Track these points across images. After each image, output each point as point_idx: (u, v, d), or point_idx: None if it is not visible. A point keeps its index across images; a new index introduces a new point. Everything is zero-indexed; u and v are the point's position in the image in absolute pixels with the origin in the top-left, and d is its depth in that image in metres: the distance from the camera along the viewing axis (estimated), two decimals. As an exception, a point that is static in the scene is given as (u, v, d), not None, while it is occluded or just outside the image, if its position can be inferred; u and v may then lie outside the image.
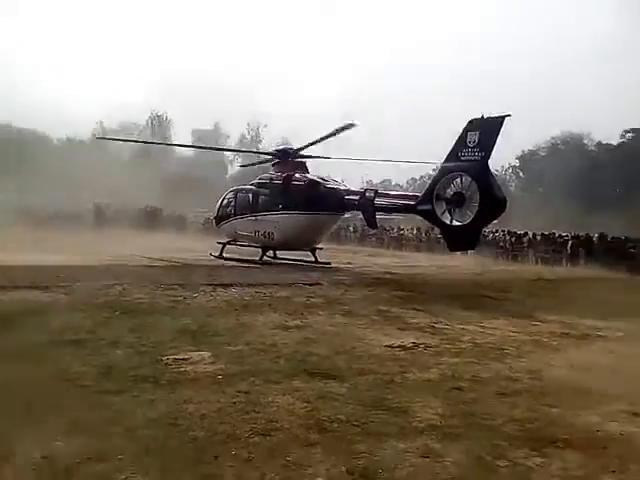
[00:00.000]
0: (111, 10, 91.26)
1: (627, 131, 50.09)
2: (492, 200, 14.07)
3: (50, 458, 3.94)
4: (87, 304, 9.27)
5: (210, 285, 11.43)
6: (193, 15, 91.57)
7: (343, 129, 17.29)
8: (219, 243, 19.65)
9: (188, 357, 6.61)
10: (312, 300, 10.84)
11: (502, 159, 54.55)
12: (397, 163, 24.64)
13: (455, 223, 14.56)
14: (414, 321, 9.53)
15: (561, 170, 45.13)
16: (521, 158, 60.79)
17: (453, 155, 14.47)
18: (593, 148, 53.21)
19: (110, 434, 4.40)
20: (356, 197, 17.24)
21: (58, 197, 37.10)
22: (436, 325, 9.29)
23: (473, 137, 14.04)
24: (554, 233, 26.62)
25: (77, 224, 30.50)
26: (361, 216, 18.35)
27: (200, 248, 20.36)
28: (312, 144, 18.65)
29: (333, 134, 17.53)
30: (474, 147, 14.01)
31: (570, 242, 25.13)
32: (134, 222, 34.43)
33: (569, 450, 4.45)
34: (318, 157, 19.74)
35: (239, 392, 5.48)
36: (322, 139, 18.02)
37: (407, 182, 62.66)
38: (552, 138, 54.50)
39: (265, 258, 18.61)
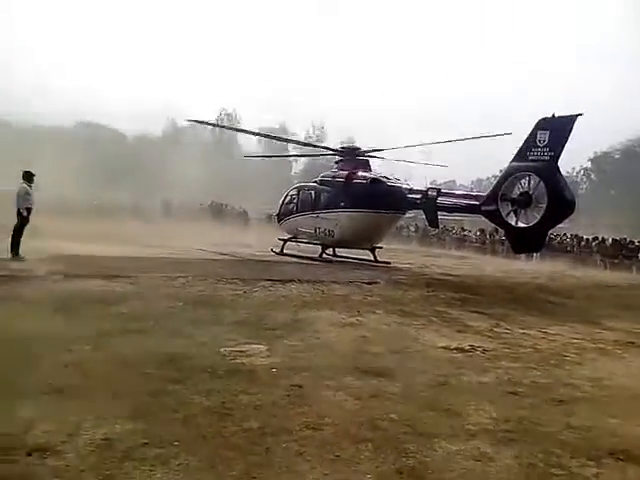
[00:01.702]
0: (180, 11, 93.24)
1: None
2: (560, 202, 13.68)
3: (110, 440, 4.12)
4: (151, 295, 9.59)
5: (269, 280, 11.57)
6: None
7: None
8: (280, 239, 19.90)
9: (245, 350, 6.73)
10: (369, 299, 10.81)
11: (574, 160, 52.87)
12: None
13: (520, 225, 14.24)
14: (473, 324, 9.36)
15: (636, 172, 43.29)
16: (594, 160, 58.90)
17: (521, 154, 14.14)
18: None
19: (168, 420, 4.55)
20: (418, 196, 17.03)
21: (131, 191, 38.63)
22: (496, 329, 9.10)
23: (543, 136, 13.68)
24: (625, 238, 25.55)
25: (146, 218, 31.50)
26: (423, 216, 18.16)
27: (262, 244, 20.67)
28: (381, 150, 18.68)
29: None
30: (544, 147, 13.67)
31: (641, 248, 24.10)
32: (199, 217, 35.30)
33: (629, 462, 4.28)
34: (381, 149, 19.61)
35: (292, 386, 5.55)
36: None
37: (472, 182, 61.61)
38: (628, 140, 52.32)
39: (325, 256, 18.68)
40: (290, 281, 11.68)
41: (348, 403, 5.22)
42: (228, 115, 68.54)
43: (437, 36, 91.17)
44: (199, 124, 64.72)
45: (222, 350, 6.67)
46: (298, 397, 5.27)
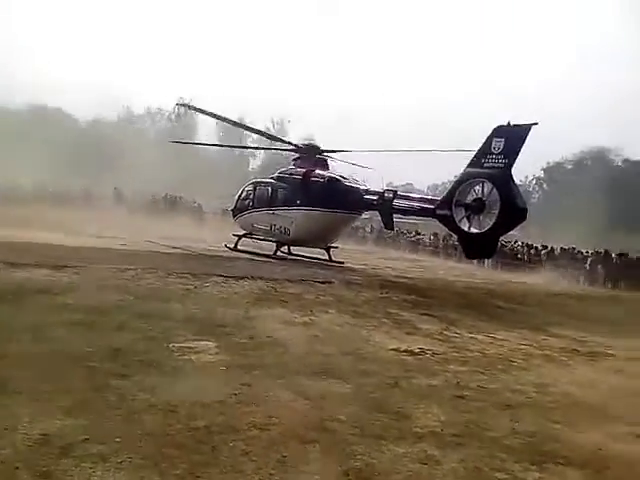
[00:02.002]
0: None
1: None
2: (512, 209, 13.90)
3: (49, 436, 3.97)
4: (98, 286, 9.32)
5: (222, 276, 11.38)
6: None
7: None
8: (235, 235, 19.67)
9: (194, 346, 6.64)
10: (322, 298, 10.76)
11: (526, 170, 54.21)
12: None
13: (473, 230, 14.44)
14: (423, 327, 9.45)
15: (586, 184, 44.71)
16: (546, 170, 60.56)
17: (477, 161, 14.32)
18: (620, 164, 52.64)
19: (110, 417, 4.42)
20: (375, 197, 17.09)
21: (83, 179, 37.64)
22: (445, 332, 9.21)
23: (498, 144, 13.86)
24: (574, 248, 26.25)
25: (98, 207, 30.77)
26: (379, 218, 18.25)
27: (215, 239, 20.43)
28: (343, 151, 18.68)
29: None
30: (498, 154, 13.85)
31: (589, 259, 24.75)
32: (153, 209, 34.69)
33: (570, 467, 4.38)
34: (341, 151, 19.63)
35: (241, 384, 5.50)
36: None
37: (428, 187, 62.40)
38: (580, 152, 54.06)
39: (279, 253, 18.58)
40: (243, 278, 11.52)
41: (297, 403, 5.20)
42: (185, 105, 67.45)
43: (435, 36, 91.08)
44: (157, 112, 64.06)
45: (170, 346, 6.54)
46: (246, 396, 5.21)
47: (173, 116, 65.49)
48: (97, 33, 75.43)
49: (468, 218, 14.49)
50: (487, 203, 14.03)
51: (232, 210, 21.29)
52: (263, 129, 64.52)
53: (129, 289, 9.40)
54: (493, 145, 13.94)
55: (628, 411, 5.89)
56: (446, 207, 14.82)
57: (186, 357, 6.23)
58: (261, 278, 11.77)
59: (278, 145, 25.09)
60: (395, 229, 22.25)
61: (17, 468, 3.53)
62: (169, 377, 5.49)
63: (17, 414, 4.24)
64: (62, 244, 14.01)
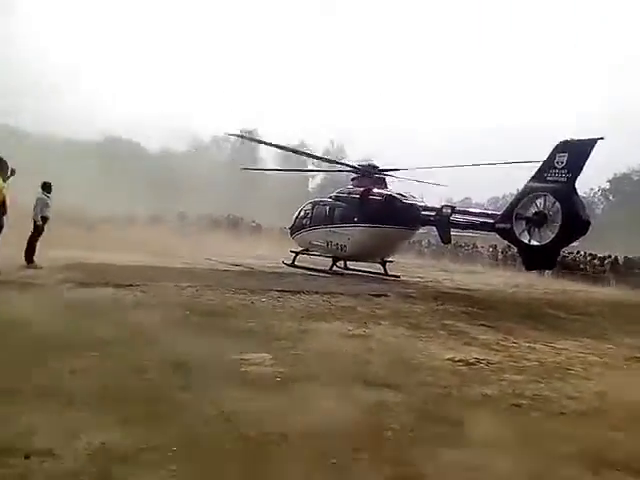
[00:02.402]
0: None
1: None
2: (575, 221, 13.70)
3: (108, 445, 4.13)
4: (161, 303, 9.65)
5: (279, 291, 11.61)
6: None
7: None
8: (292, 252, 19.99)
9: (249, 358, 6.73)
10: (377, 311, 10.78)
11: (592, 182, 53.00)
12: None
13: (534, 243, 14.23)
14: (480, 337, 9.29)
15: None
16: (612, 181, 59.14)
17: (539, 175, 14.21)
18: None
19: (168, 427, 4.54)
20: (432, 213, 17.12)
21: (152, 203, 39.33)
22: (502, 342, 9.02)
23: (562, 158, 13.76)
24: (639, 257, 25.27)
25: (163, 229, 31.88)
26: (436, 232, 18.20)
27: (274, 256, 20.77)
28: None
29: None
30: (562, 168, 13.74)
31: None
32: (216, 229, 35.74)
33: (631, 477, 4.25)
34: (397, 169, 19.76)
35: (295, 395, 5.56)
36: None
37: (488, 201, 61.50)
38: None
39: (335, 268, 18.73)
40: (299, 292, 11.69)
41: (351, 413, 5.21)
42: (249, 132, 69.30)
43: (469, 64, 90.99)
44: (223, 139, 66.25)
45: (227, 358, 6.69)
46: (301, 406, 5.27)
47: (238, 143, 67.52)
48: (165, 69, 78.99)
49: (529, 231, 14.33)
50: (549, 216, 13.86)
51: (290, 228, 21.70)
52: (323, 150, 66.08)
53: (190, 305, 9.69)
54: (556, 160, 13.82)
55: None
56: (507, 220, 14.72)
57: (242, 369, 6.34)
58: (316, 292, 11.92)
59: (338, 167, 25.47)
60: (452, 242, 22.09)
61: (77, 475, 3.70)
62: (226, 389, 5.61)
63: (79, 426, 4.40)
64: (129, 264, 14.60)
